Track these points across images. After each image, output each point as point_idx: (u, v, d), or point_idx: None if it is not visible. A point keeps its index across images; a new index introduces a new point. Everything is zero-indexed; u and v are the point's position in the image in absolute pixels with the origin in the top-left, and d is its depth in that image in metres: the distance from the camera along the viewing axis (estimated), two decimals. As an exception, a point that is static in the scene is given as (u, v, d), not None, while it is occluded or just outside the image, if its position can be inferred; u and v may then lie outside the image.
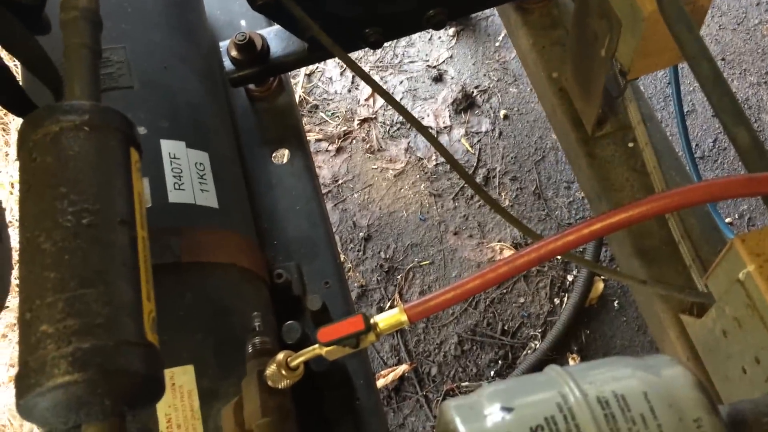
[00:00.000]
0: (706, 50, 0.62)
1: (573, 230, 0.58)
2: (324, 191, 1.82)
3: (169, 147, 0.83)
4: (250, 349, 0.65)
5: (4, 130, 1.92)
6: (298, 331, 0.77)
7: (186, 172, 0.82)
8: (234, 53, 1.01)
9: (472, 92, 1.92)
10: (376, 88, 0.85)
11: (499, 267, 0.60)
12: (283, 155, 1.06)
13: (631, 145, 0.98)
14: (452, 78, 1.95)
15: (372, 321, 0.59)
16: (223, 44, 1.03)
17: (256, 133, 1.07)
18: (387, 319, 0.59)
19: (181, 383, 0.69)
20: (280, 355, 0.61)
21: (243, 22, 1.16)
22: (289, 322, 0.78)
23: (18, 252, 0.47)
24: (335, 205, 1.82)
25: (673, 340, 0.89)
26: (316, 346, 0.59)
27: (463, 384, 1.59)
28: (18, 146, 0.51)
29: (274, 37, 1.04)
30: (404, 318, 0.59)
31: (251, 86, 1.08)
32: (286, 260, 0.95)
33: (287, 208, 1.00)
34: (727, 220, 1.71)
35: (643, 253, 0.92)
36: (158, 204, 0.78)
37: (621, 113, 0.99)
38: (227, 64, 1.02)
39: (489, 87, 1.93)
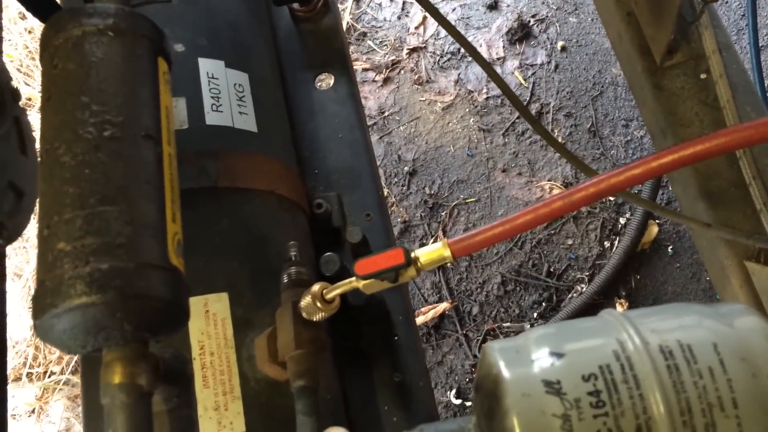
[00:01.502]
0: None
1: (639, 162, 0.53)
2: (369, 123, 1.77)
3: (207, 66, 0.79)
4: (285, 279, 0.62)
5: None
6: (337, 263, 0.75)
7: (224, 93, 0.79)
8: (277, -31, 0.96)
9: (529, 21, 1.82)
10: (425, 4, 0.79)
11: (553, 201, 0.56)
12: (326, 81, 1.01)
13: (703, 76, 0.89)
14: (508, 6, 1.85)
15: (413, 255, 0.55)
16: (266, -41, 0.98)
17: (299, 57, 1.02)
18: (429, 253, 0.55)
19: (215, 310, 0.67)
20: (316, 287, 0.58)
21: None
22: (328, 253, 0.75)
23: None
24: (380, 137, 1.77)
25: (735, 289, 0.83)
26: (353, 278, 0.56)
27: (504, 324, 1.56)
28: (40, 52, 0.48)
29: (320, -48, 0.98)
30: (447, 253, 0.55)
31: (295, 5, 1.03)
32: (327, 190, 0.92)
33: (329, 136, 0.96)
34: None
35: (709, 195, 0.85)
36: (195, 126, 0.75)
37: (694, 41, 0.90)
38: (270, -20, 0.97)
39: (547, 16, 1.82)
